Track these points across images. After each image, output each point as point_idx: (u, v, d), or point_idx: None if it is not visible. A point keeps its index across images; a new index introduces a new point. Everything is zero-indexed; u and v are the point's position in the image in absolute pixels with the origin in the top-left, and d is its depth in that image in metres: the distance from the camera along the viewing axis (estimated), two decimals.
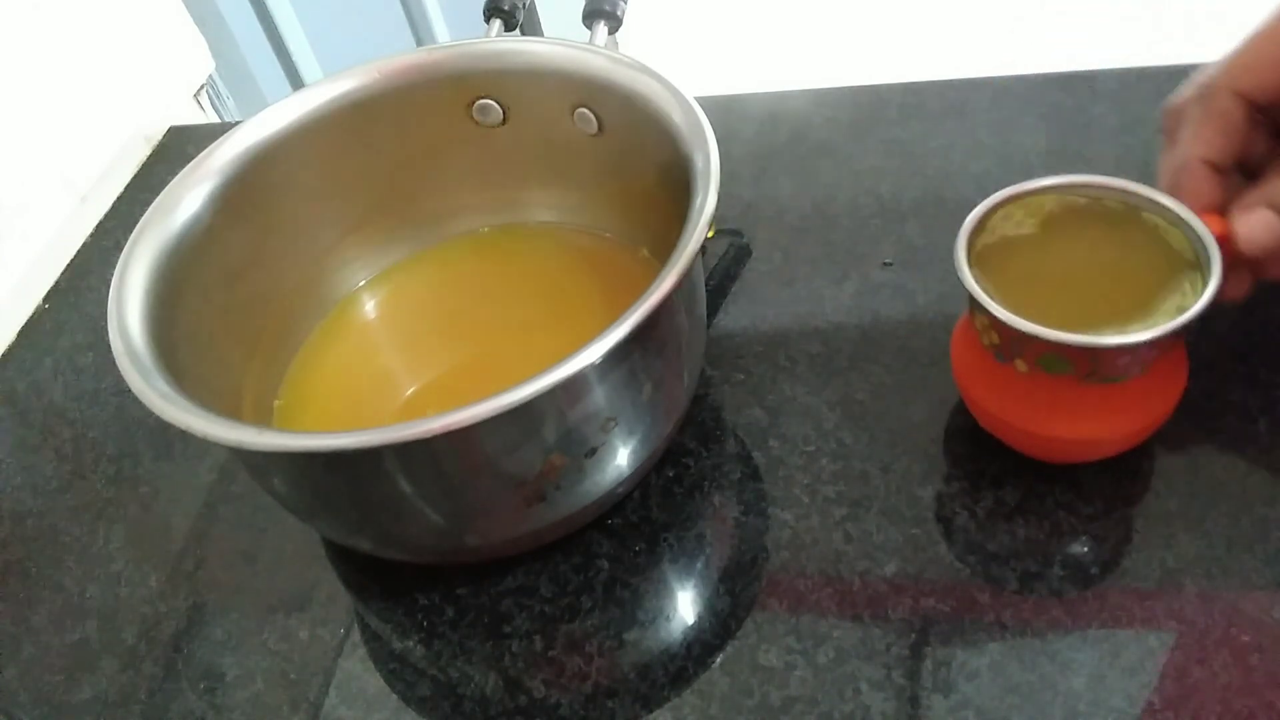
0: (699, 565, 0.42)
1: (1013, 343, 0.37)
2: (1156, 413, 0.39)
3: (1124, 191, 0.39)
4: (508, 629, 0.41)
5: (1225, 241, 0.38)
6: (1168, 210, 0.38)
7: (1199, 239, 0.37)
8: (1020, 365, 0.38)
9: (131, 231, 0.41)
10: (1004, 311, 0.36)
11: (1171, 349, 0.38)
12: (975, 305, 0.37)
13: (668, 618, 0.40)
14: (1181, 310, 0.36)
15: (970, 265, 0.38)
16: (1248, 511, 0.39)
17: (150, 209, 0.42)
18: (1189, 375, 0.39)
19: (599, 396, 0.36)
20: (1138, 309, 0.37)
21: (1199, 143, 0.39)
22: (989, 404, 0.40)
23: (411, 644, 0.41)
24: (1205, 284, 0.36)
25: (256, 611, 0.43)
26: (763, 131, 0.61)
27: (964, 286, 0.37)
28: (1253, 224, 0.37)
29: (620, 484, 0.40)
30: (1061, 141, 0.55)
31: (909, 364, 0.47)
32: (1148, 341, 0.35)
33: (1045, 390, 0.38)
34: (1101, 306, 0.37)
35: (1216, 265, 0.36)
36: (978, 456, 0.42)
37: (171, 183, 0.43)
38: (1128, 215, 0.39)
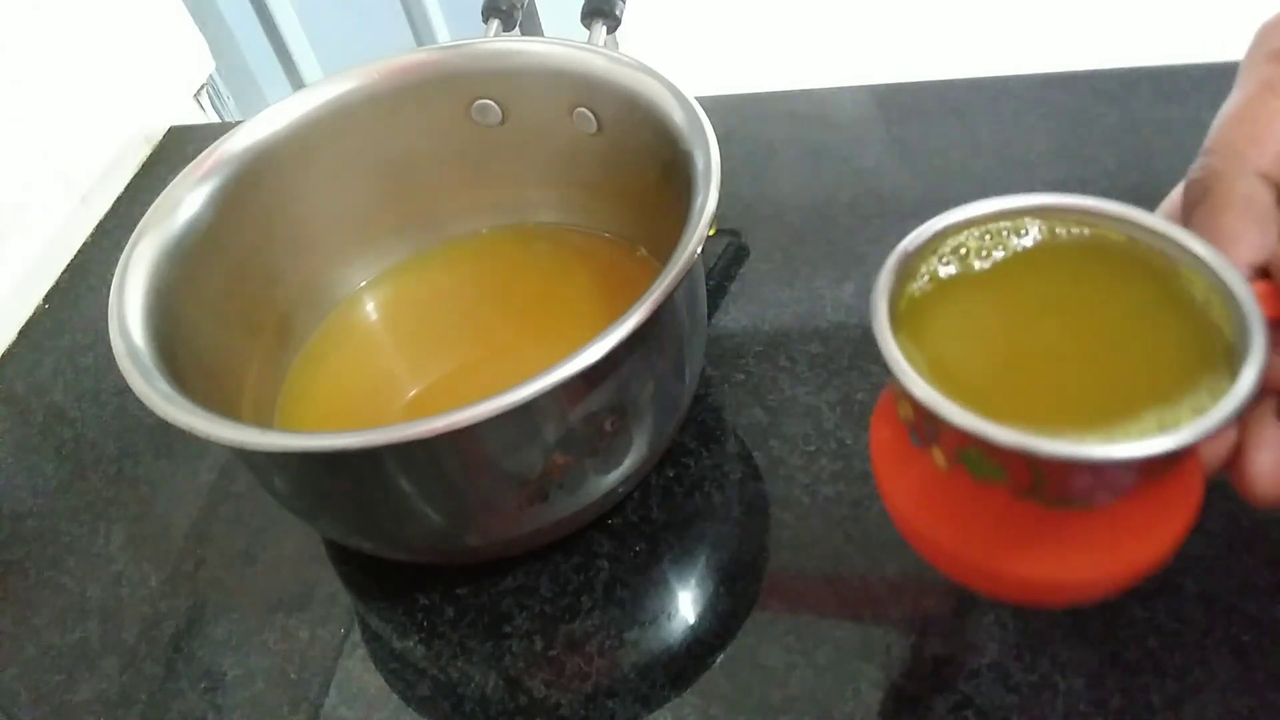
0: (699, 565, 0.42)
1: (927, 421, 0.25)
2: (1141, 556, 0.26)
3: (1147, 230, 0.26)
4: (508, 629, 0.41)
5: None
6: (1194, 257, 0.25)
7: (1234, 301, 0.24)
8: (938, 457, 0.26)
9: (131, 231, 0.41)
10: (903, 366, 0.24)
11: (1176, 464, 0.25)
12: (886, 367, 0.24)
13: (668, 618, 0.40)
14: (1195, 412, 0.23)
15: (904, 311, 0.26)
16: (1248, 512, 0.39)
17: (150, 209, 0.42)
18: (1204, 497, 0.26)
19: (602, 395, 0.36)
20: (1154, 397, 0.24)
21: (1238, 246, 0.26)
22: (901, 501, 0.28)
23: (411, 644, 0.41)
24: (1236, 374, 0.23)
25: (256, 611, 0.43)
26: (763, 131, 0.61)
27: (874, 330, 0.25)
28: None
29: (622, 483, 0.40)
30: (1061, 141, 0.55)
31: None
32: (1120, 462, 0.22)
33: (972, 499, 0.26)
34: (1101, 390, 0.25)
35: (1260, 349, 0.23)
36: None
37: (171, 183, 0.43)
38: (1147, 261, 0.26)
